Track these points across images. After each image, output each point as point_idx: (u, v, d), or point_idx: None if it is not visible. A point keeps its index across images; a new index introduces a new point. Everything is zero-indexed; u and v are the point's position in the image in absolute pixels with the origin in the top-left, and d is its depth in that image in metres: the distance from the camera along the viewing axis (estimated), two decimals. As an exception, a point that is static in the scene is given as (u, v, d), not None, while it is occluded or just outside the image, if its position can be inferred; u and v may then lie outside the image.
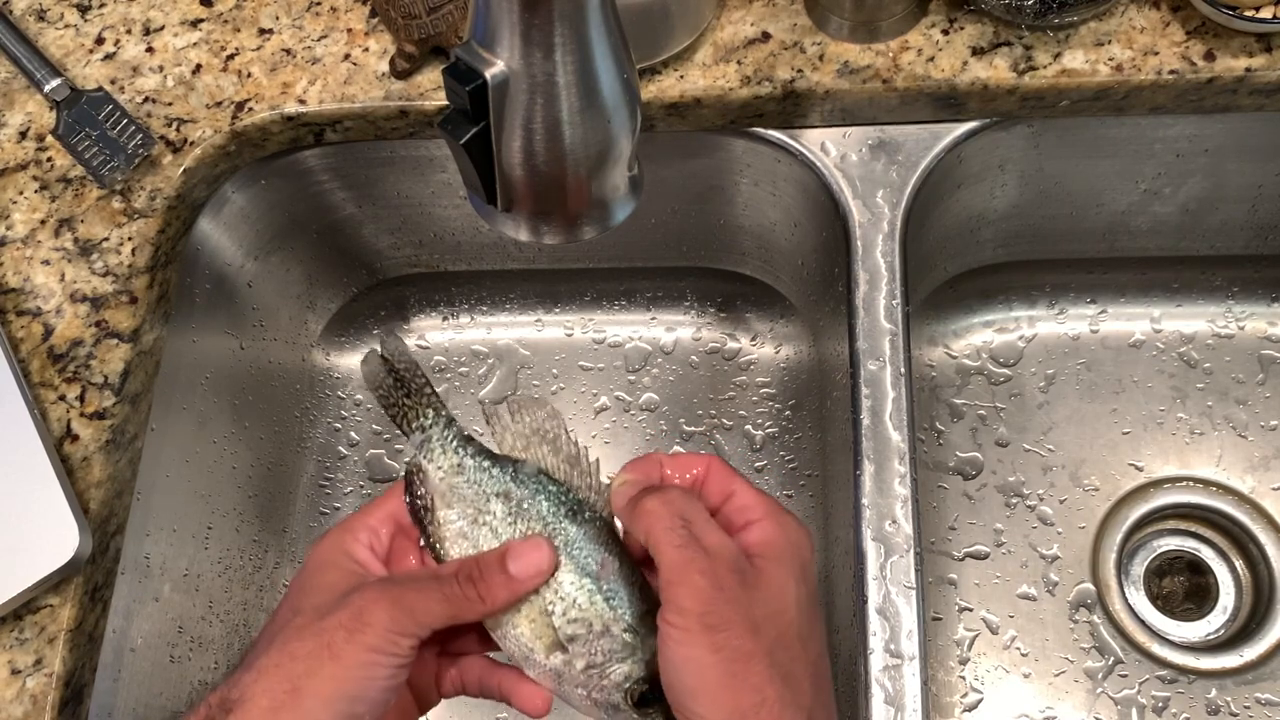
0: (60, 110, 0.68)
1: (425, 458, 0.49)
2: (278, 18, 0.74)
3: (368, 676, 0.42)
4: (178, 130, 0.71)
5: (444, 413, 0.51)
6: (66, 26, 0.75)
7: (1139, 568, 0.82)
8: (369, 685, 0.42)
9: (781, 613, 0.43)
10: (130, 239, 0.68)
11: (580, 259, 0.88)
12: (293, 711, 0.41)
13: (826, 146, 0.71)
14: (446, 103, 0.38)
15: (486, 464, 0.49)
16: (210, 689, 0.46)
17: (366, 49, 0.72)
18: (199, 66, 0.73)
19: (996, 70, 0.67)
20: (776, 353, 0.90)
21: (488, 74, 0.36)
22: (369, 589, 0.44)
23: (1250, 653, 0.78)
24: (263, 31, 0.73)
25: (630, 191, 0.41)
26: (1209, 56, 0.66)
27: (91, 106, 0.68)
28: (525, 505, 0.48)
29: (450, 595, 0.44)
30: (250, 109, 0.71)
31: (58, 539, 0.59)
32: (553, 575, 0.46)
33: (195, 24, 0.74)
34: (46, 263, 0.68)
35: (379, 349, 0.52)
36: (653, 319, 0.91)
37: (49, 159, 0.71)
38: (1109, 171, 0.76)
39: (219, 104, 0.72)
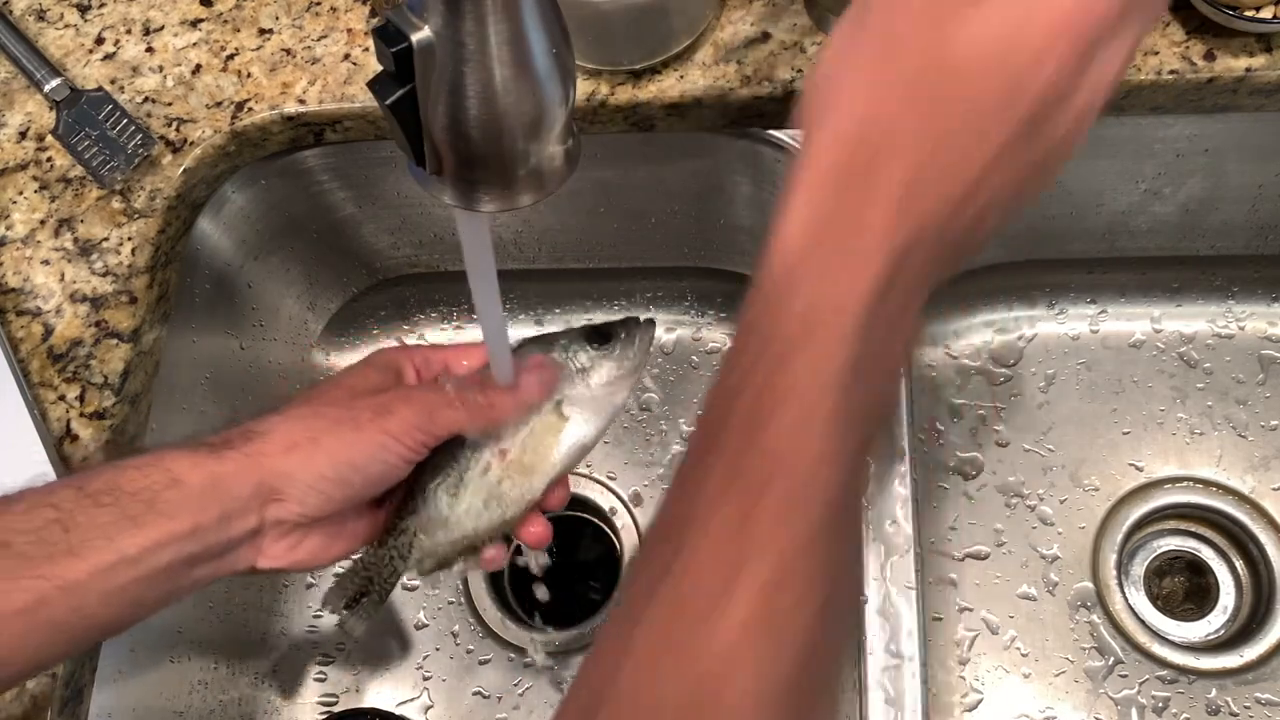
0: (60, 110, 0.68)
1: None
2: (277, 18, 0.74)
3: (377, 453, 0.47)
4: (178, 130, 0.71)
5: None
6: (66, 26, 0.75)
7: (1139, 568, 0.82)
8: (374, 460, 0.47)
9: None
10: (130, 239, 0.68)
11: (580, 259, 0.88)
12: (304, 453, 0.46)
13: (826, 146, 0.71)
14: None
15: None
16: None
17: (366, 49, 0.72)
18: (199, 66, 0.73)
19: (996, 70, 0.67)
20: (776, 353, 0.90)
21: (414, 38, 0.37)
22: (402, 389, 0.51)
23: (1250, 653, 0.78)
24: (262, 31, 0.73)
25: (565, 162, 0.42)
26: (1209, 56, 0.66)
27: (91, 106, 0.68)
28: None
29: (466, 403, 0.50)
30: (250, 109, 0.71)
31: (58, 539, 0.59)
32: None
33: (195, 24, 0.74)
34: (46, 263, 0.68)
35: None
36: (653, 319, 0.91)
37: (49, 159, 0.71)
38: (1109, 171, 0.76)
39: (219, 104, 0.72)
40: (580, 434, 0.53)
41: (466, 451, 0.52)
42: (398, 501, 0.53)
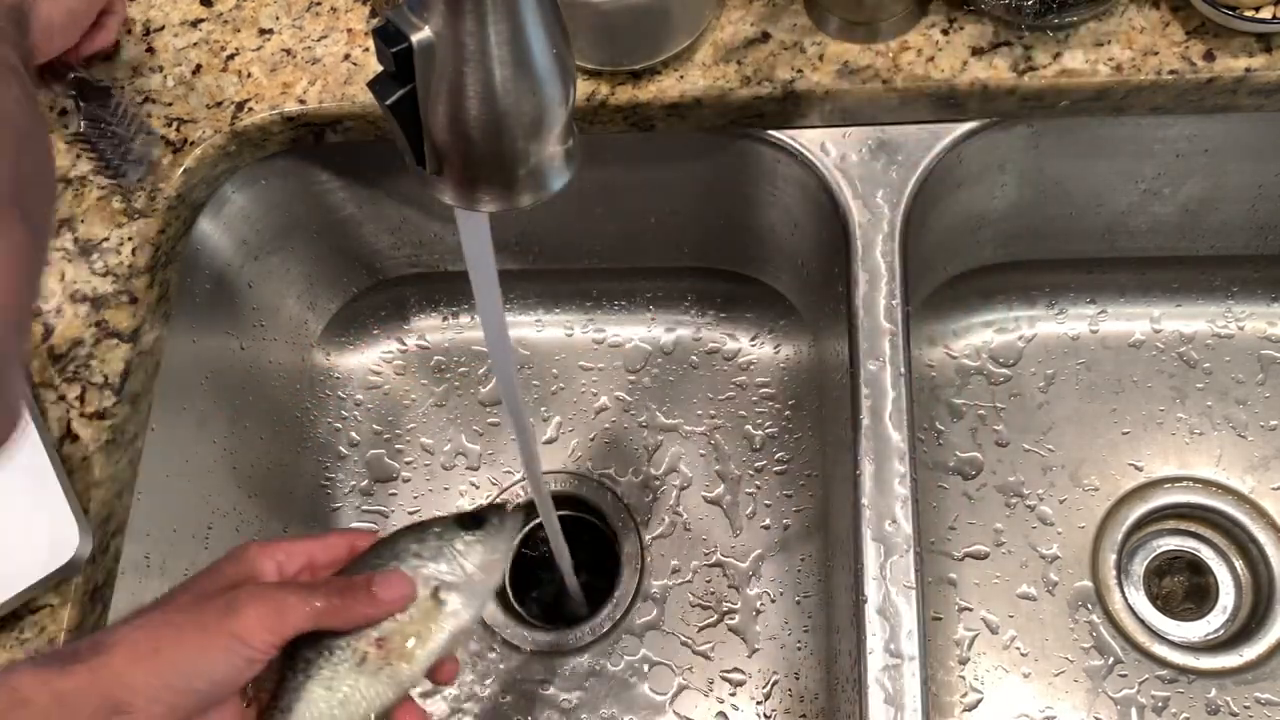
0: (79, 106, 0.68)
1: None
2: (278, 18, 0.74)
3: (223, 658, 0.46)
4: (178, 130, 0.71)
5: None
6: (67, 26, 0.75)
7: (1139, 567, 0.82)
8: (220, 666, 0.46)
9: None
10: (130, 239, 0.68)
11: (580, 259, 0.88)
12: (148, 663, 0.45)
13: (826, 147, 0.71)
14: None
15: None
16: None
17: (366, 49, 0.72)
18: (199, 67, 0.73)
19: (996, 70, 0.67)
20: (776, 353, 0.90)
21: (414, 38, 0.37)
22: (252, 587, 0.49)
23: (1250, 652, 0.78)
24: (263, 32, 0.73)
25: (565, 162, 0.42)
26: (1209, 56, 0.66)
27: (100, 102, 0.68)
28: None
29: (318, 604, 0.48)
30: (250, 109, 0.71)
31: (58, 539, 0.59)
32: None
33: (195, 24, 0.74)
34: (46, 263, 0.68)
35: None
36: (653, 319, 0.91)
37: (49, 159, 0.71)
38: (1109, 171, 0.76)
39: (219, 104, 0.72)
40: (458, 619, 0.52)
41: (340, 643, 0.50)
42: (266, 700, 0.50)
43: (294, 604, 0.48)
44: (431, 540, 0.53)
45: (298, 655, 0.49)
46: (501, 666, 0.83)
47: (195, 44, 0.73)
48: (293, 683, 0.50)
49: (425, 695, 0.82)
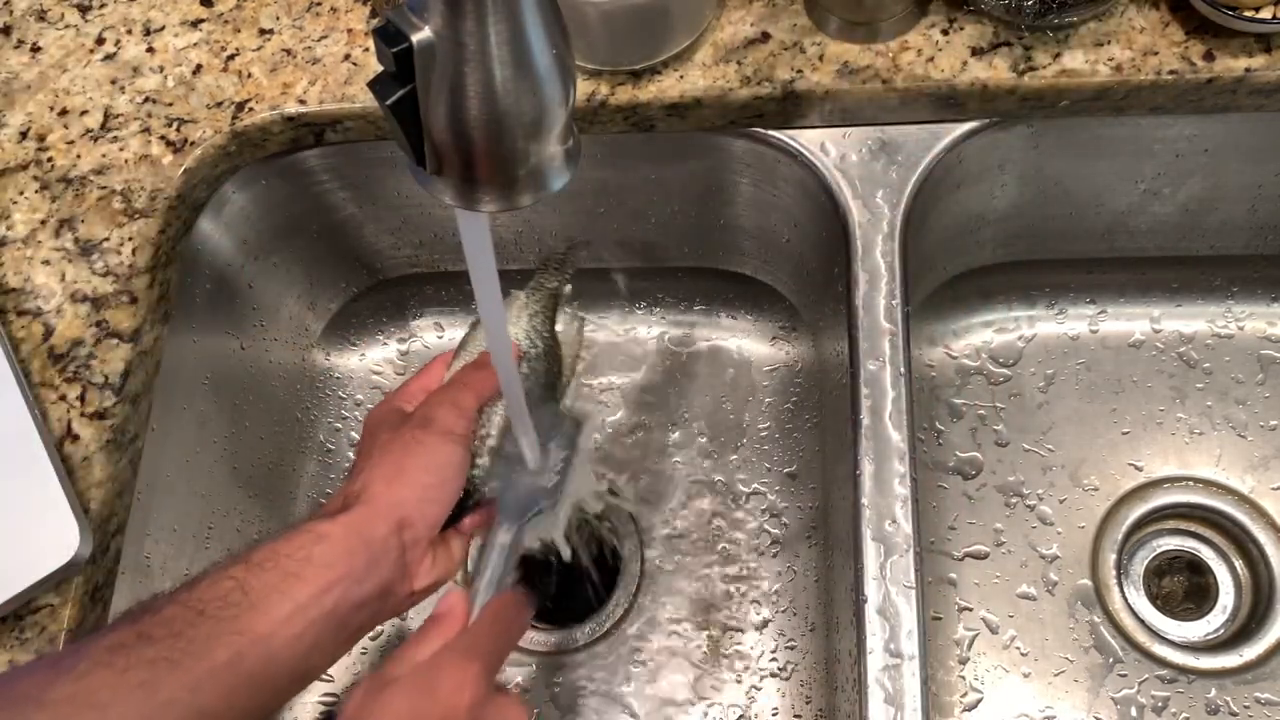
0: None
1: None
2: (278, 18, 0.74)
3: (446, 451, 0.55)
4: (178, 130, 0.71)
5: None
6: (67, 27, 0.75)
7: (1139, 567, 0.82)
8: (446, 455, 0.55)
9: None
10: (130, 239, 0.68)
11: (580, 259, 0.88)
12: (402, 480, 0.54)
13: (826, 147, 0.71)
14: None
15: None
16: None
17: (367, 49, 0.72)
18: (199, 67, 0.73)
19: (996, 70, 0.67)
20: (776, 353, 0.90)
21: (414, 38, 0.37)
22: (428, 400, 0.58)
23: (1250, 652, 0.78)
24: (263, 32, 0.73)
25: (565, 163, 0.42)
26: (1209, 57, 0.66)
27: None
28: None
29: (471, 380, 0.59)
30: (251, 109, 0.71)
31: (58, 539, 0.59)
32: None
33: (195, 24, 0.74)
34: (47, 263, 0.68)
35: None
36: (653, 319, 0.91)
37: (49, 159, 0.71)
38: (1109, 171, 0.76)
39: (219, 104, 0.72)
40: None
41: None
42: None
43: (458, 394, 0.58)
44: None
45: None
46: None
47: (195, 44, 0.73)
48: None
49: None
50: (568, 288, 0.66)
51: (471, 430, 0.58)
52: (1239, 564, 0.81)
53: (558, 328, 0.65)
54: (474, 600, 0.56)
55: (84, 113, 0.72)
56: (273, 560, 0.50)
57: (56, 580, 0.59)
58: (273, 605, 0.48)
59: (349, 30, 0.73)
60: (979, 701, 0.79)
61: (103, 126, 0.72)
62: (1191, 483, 0.83)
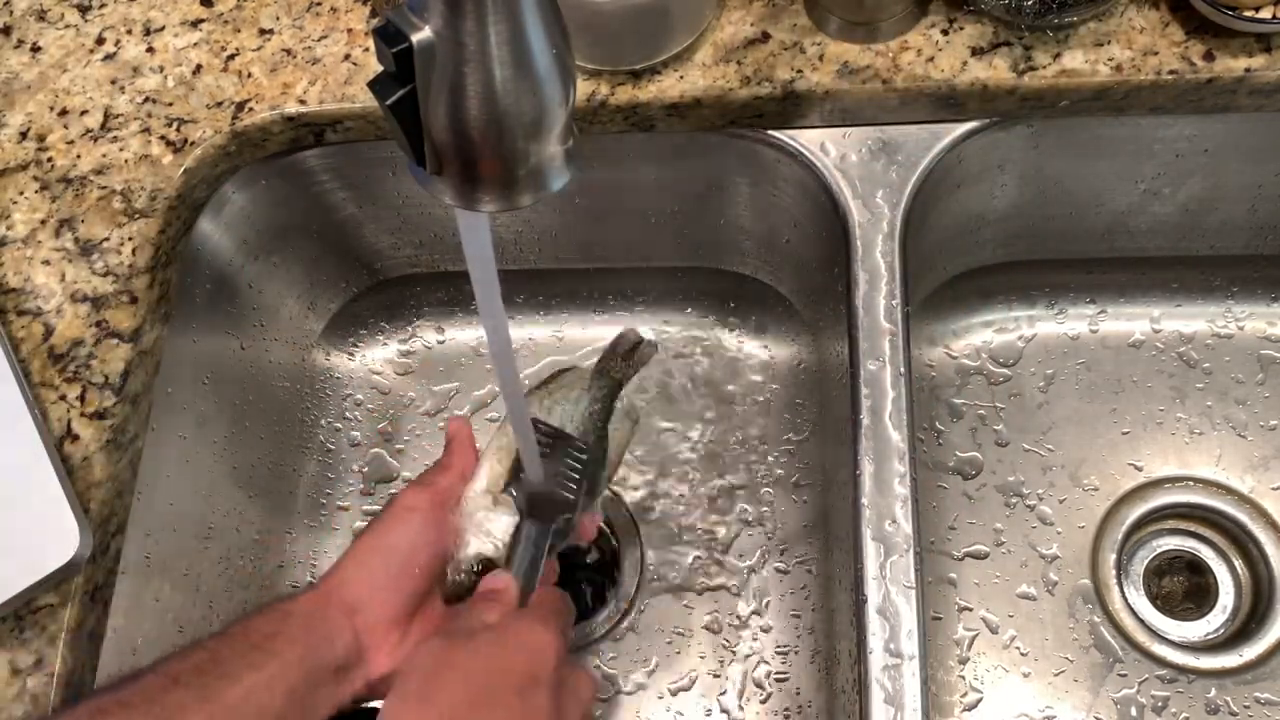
0: None
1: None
2: (278, 18, 0.74)
3: (401, 526, 0.58)
4: (178, 130, 0.71)
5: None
6: (67, 27, 0.75)
7: (1138, 567, 0.82)
8: (402, 532, 0.58)
9: None
10: (130, 239, 0.68)
11: (580, 259, 0.88)
12: (361, 568, 0.57)
13: (826, 147, 0.71)
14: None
15: None
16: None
17: (367, 49, 0.72)
18: (199, 67, 0.73)
19: (996, 70, 0.67)
20: (776, 353, 0.90)
21: (414, 38, 0.37)
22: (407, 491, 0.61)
23: (1250, 652, 0.78)
24: (263, 32, 0.73)
25: (565, 163, 0.42)
26: (1209, 57, 0.66)
27: None
28: None
29: (442, 468, 0.62)
30: (251, 109, 0.71)
31: (58, 539, 0.59)
32: None
33: (195, 24, 0.74)
34: (47, 263, 0.68)
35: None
36: (653, 319, 0.91)
37: (49, 159, 0.71)
38: (1109, 171, 0.76)
39: (219, 104, 0.72)
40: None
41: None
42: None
43: (438, 469, 0.61)
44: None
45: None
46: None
47: (195, 44, 0.74)
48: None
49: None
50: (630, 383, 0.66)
51: (441, 503, 0.60)
52: (1239, 564, 0.81)
53: (610, 424, 0.64)
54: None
55: (84, 113, 0.72)
56: (244, 634, 0.53)
57: (56, 580, 0.59)
58: (241, 676, 0.51)
59: (349, 30, 0.73)
60: (979, 701, 0.79)
61: (103, 126, 0.72)
62: (1191, 483, 0.83)
